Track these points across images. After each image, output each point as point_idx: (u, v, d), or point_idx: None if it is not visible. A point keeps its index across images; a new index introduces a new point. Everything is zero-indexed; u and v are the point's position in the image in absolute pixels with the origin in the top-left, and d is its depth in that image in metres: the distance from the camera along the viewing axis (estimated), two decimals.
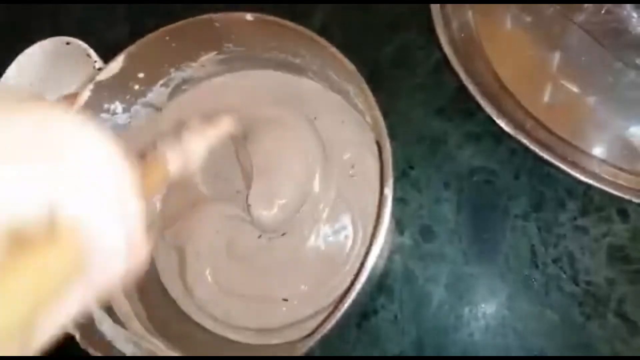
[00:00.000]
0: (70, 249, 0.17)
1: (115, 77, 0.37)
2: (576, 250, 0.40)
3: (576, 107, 0.39)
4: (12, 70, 0.49)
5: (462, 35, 0.41)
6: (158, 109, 0.41)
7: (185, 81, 0.41)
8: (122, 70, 0.37)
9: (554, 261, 0.40)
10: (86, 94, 0.36)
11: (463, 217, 0.42)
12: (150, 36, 0.37)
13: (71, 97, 0.36)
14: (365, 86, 0.32)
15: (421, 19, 0.43)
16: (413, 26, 0.46)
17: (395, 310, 0.41)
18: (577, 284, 0.40)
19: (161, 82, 0.40)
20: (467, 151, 0.43)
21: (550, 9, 0.41)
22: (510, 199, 0.42)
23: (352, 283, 0.29)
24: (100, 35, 0.48)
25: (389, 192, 0.30)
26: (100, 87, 0.36)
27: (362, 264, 0.29)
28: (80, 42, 0.47)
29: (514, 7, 0.42)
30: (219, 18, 0.37)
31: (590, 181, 0.36)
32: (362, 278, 0.28)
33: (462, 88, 0.39)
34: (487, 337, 0.39)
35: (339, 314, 0.28)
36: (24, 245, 0.16)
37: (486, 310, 0.40)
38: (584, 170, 0.36)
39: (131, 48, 0.36)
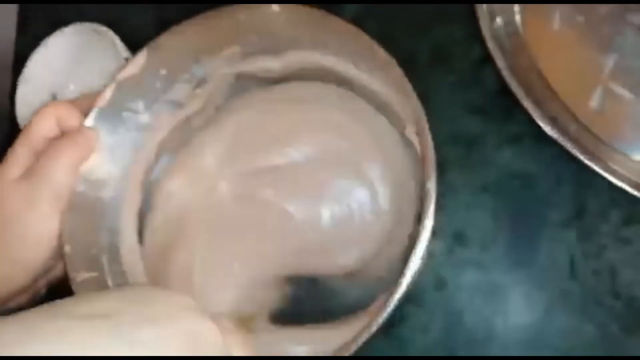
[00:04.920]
0: None
1: (137, 75, 0.37)
2: (618, 263, 0.40)
3: (627, 114, 0.39)
4: (34, 59, 0.48)
5: (507, 31, 0.40)
6: (180, 105, 0.40)
7: (207, 76, 0.40)
8: (144, 68, 0.37)
9: (594, 273, 0.40)
10: (108, 93, 0.36)
11: (499, 223, 0.42)
12: (171, 30, 0.36)
13: (92, 96, 0.36)
14: (401, 73, 0.33)
15: (463, 12, 0.42)
16: (454, 20, 0.45)
17: (424, 319, 0.41)
18: (617, 298, 0.40)
19: (183, 78, 0.39)
20: (506, 154, 0.43)
21: (604, 9, 0.40)
22: (550, 206, 0.42)
23: (391, 293, 0.28)
24: (126, 24, 0.47)
25: (432, 186, 0.29)
26: (122, 85, 0.36)
27: (403, 271, 0.28)
28: (107, 30, 0.45)
29: (565, 5, 0.41)
30: (244, 10, 0.36)
31: (636, 192, 0.36)
32: (402, 288, 0.28)
33: (503, 87, 0.38)
34: (521, 351, 0.39)
35: (374, 328, 0.27)
36: None
37: (521, 322, 0.40)
38: (629, 181, 0.36)
39: (152, 44, 0.36)
